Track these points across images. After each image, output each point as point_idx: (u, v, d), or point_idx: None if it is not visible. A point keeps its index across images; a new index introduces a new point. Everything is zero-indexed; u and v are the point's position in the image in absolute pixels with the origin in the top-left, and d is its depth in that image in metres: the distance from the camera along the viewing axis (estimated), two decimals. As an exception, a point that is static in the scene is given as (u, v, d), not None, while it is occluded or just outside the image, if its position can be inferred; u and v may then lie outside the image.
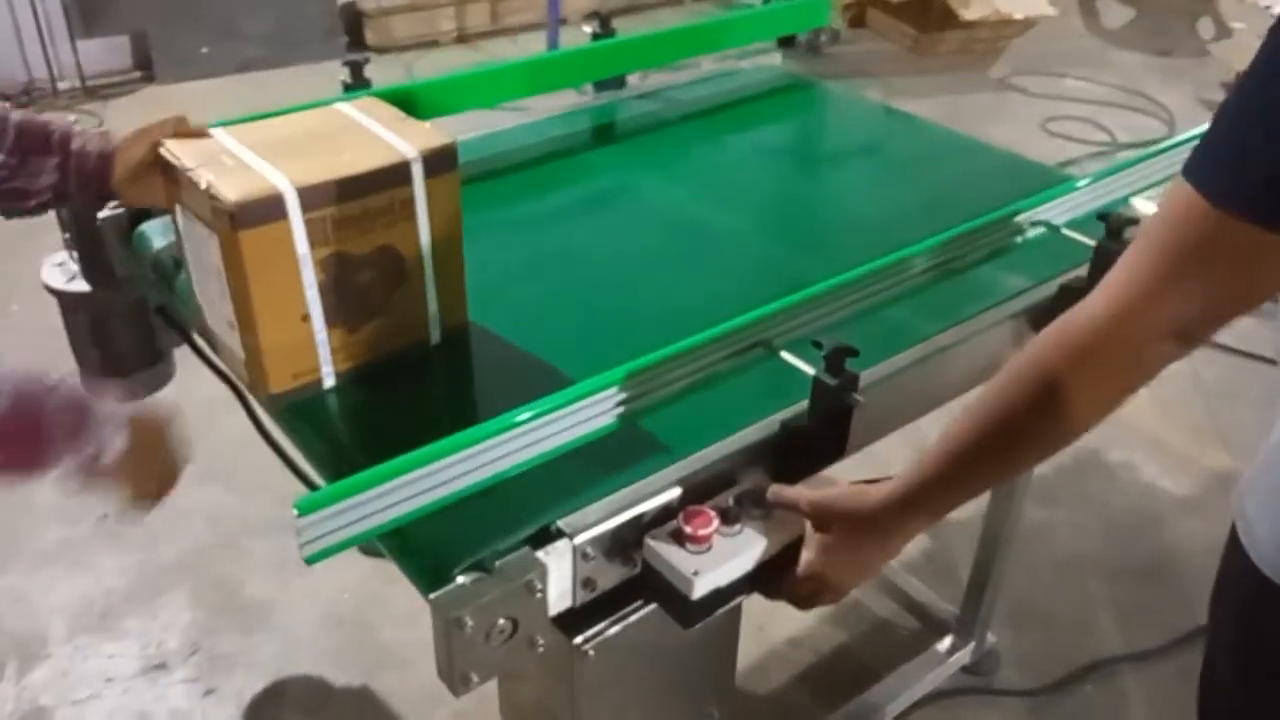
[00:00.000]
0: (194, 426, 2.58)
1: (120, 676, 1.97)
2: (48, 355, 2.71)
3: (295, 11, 4.74)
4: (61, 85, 4.33)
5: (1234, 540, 0.98)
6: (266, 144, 1.06)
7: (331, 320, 1.08)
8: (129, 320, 1.49)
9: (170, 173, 1.06)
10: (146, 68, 4.55)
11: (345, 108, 1.17)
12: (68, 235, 1.43)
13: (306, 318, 1.06)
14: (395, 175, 1.05)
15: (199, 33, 4.55)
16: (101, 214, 1.38)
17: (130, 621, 2.09)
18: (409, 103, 1.55)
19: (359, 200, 1.04)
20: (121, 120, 4.17)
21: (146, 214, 1.41)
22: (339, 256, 1.05)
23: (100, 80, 4.43)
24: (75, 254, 1.44)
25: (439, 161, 1.07)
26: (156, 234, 1.39)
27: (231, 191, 0.97)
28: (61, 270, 1.47)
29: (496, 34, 5.24)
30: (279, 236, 1.00)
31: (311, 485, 1.50)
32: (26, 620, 2.09)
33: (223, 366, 1.29)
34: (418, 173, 1.06)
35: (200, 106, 4.63)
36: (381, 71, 1.57)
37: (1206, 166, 0.75)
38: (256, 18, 4.65)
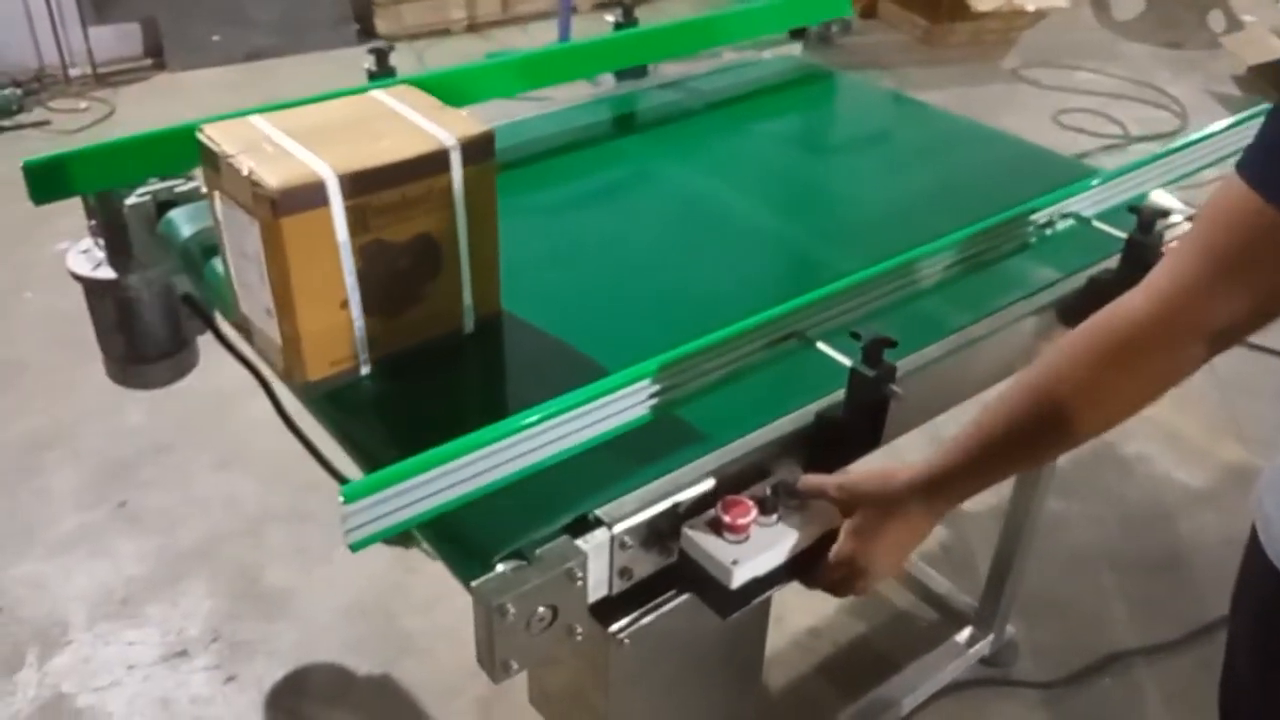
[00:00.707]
0: (216, 413, 2.60)
1: (141, 663, 1.98)
2: (61, 341, 2.74)
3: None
4: (73, 72, 4.32)
5: (1254, 539, 0.98)
6: (306, 130, 1.06)
7: (369, 308, 1.08)
8: (154, 307, 1.48)
9: (210, 159, 1.06)
10: (158, 55, 4.54)
11: (381, 95, 1.17)
12: (94, 222, 1.43)
13: (345, 305, 1.06)
14: (434, 163, 1.06)
15: (210, 20, 4.54)
16: (129, 200, 1.39)
17: (151, 608, 2.09)
18: (430, 91, 1.55)
19: (398, 188, 1.04)
20: (132, 107, 4.17)
21: (173, 201, 1.42)
22: (378, 244, 1.05)
23: (112, 67, 4.43)
24: (101, 241, 1.44)
25: (477, 150, 1.08)
26: (184, 221, 1.39)
27: (273, 178, 0.98)
28: (87, 257, 1.47)
29: (507, 23, 5.23)
30: (320, 223, 1.01)
31: (335, 473, 1.51)
32: (47, 607, 2.09)
33: (250, 355, 1.30)
34: (456, 160, 1.07)
35: (210, 94, 4.66)
36: (392, 60, 1.56)
37: (1261, 165, 0.75)
38: (267, 5, 4.64)
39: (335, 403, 1.10)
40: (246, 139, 1.05)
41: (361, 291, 1.06)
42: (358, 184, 1.01)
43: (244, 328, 1.19)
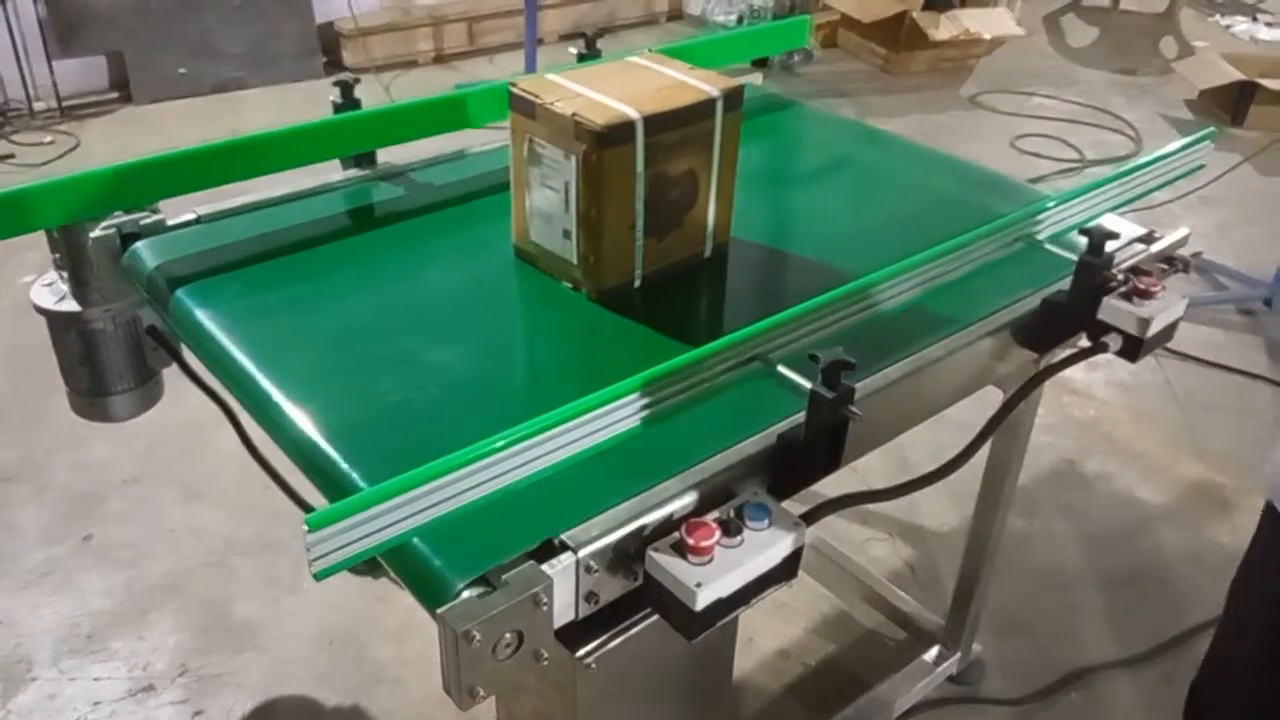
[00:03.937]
0: (182, 445, 2.59)
1: (107, 699, 1.96)
2: (26, 374, 2.72)
3: (272, 32, 4.75)
4: (38, 106, 4.31)
5: (1269, 519, 0.98)
6: (600, 85, 1.27)
7: (648, 230, 1.30)
8: (118, 340, 1.48)
9: (524, 107, 1.26)
10: (123, 88, 4.53)
11: (640, 60, 1.40)
12: (57, 255, 1.43)
13: (633, 227, 1.28)
14: (704, 110, 1.28)
15: (176, 53, 4.55)
16: (93, 233, 1.39)
17: (117, 643, 2.07)
18: (387, 120, 1.58)
19: (679, 129, 1.26)
20: (98, 140, 4.16)
21: (138, 233, 1.42)
22: (660, 176, 1.27)
23: (77, 100, 4.42)
24: (65, 274, 1.44)
25: (733, 100, 1.30)
26: (149, 253, 1.39)
27: (599, 117, 1.19)
28: (51, 290, 1.46)
29: (473, 54, 5.27)
30: (627, 157, 1.22)
31: (301, 503, 1.50)
32: (11, 644, 2.07)
33: (216, 387, 1.30)
34: (719, 108, 1.29)
35: (177, 126, 4.65)
36: (359, 92, 1.58)
37: None
38: (234, 38, 4.65)
39: (617, 307, 1.31)
40: (556, 91, 1.26)
41: (645, 216, 1.28)
42: (654, 125, 1.23)
43: (526, 254, 1.38)
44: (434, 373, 1.20)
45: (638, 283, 1.33)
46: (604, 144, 1.19)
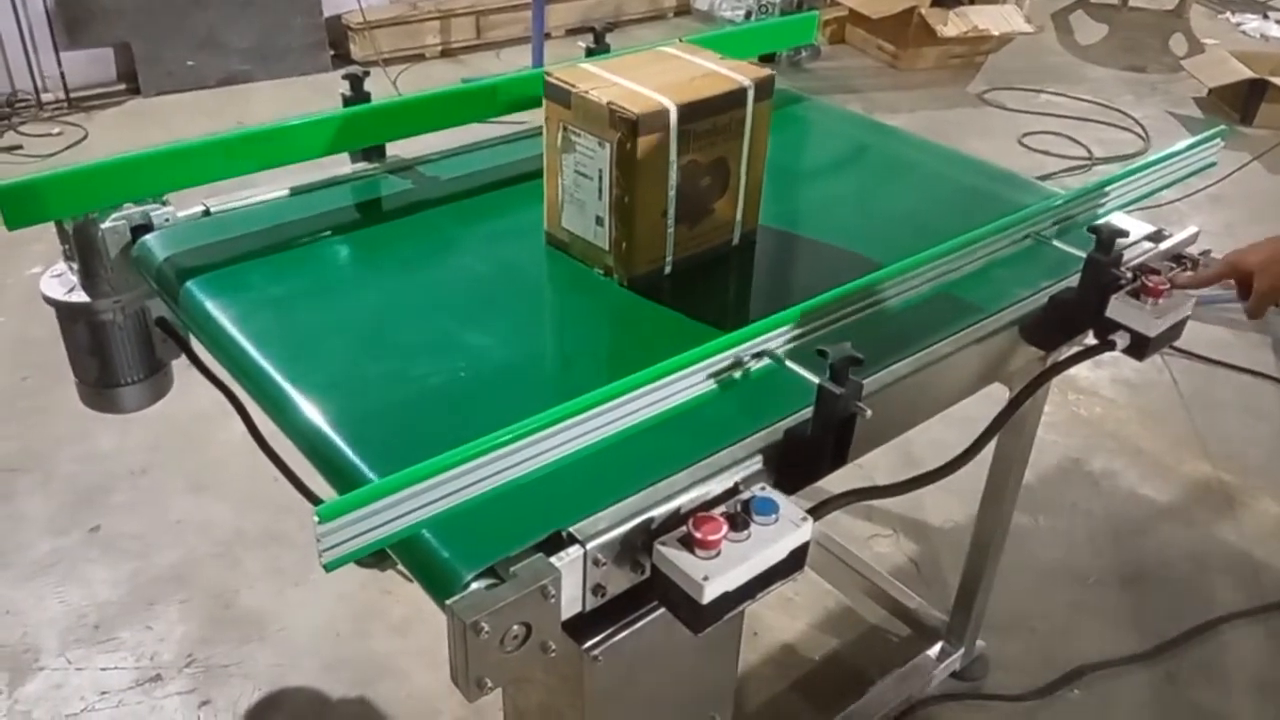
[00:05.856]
0: (190, 437, 2.60)
1: (114, 689, 1.97)
2: (33, 366, 2.73)
3: (280, 24, 4.76)
4: (45, 97, 4.32)
5: None
6: (633, 74, 1.29)
7: (679, 217, 1.32)
8: (127, 331, 1.49)
9: (559, 96, 1.28)
10: (131, 80, 4.54)
11: (672, 49, 1.42)
12: (67, 246, 1.44)
13: (665, 214, 1.30)
14: (736, 99, 1.30)
15: (184, 45, 4.55)
16: (103, 225, 1.39)
17: (124, 633, 2.08)
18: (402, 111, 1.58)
19: (711, 118, 1.28)
20: (106, 132, 4.16)
21: (148, 225, 1.43)
22: (693, 164, 1.29)
23: (84, 92, 4.42)
24: (74, 265, 1.44)
25: (764, 89, 1.32)
26: (159, 245, 1.40)
27: (634, 106, 1.21)
28: (60, 281, 1.47)
29: (481, 48, 5.28)
30: (661, 144, 1.24)
31: (309, 495, 1.51)
32: (18, 633, 2.08)
33: (225, 379, 1.31)
34: (750, 98, 1.30)
35: (184, 119, 4.66)
36: (366, 85, 1.58)
37: None
38: (241, 31, 4.66)
39: (648, 293, 1.33)
40: (591, 79, 1.27)
41: (677, 203, 1.30)
42: (688, 113, 1.24)
43: (557, 242, 1.40)
44: (461, 360, 1.20)
45: (668, 269, 1.35)
46: (639, 132, 1.21)
